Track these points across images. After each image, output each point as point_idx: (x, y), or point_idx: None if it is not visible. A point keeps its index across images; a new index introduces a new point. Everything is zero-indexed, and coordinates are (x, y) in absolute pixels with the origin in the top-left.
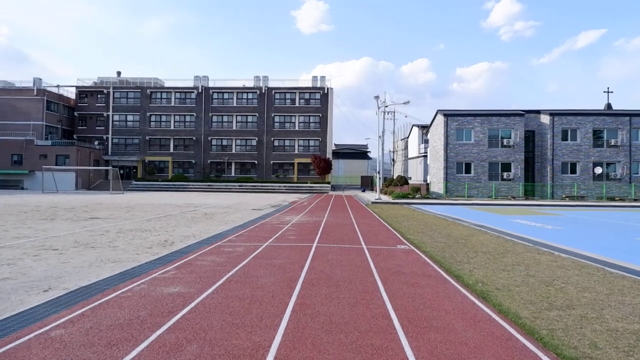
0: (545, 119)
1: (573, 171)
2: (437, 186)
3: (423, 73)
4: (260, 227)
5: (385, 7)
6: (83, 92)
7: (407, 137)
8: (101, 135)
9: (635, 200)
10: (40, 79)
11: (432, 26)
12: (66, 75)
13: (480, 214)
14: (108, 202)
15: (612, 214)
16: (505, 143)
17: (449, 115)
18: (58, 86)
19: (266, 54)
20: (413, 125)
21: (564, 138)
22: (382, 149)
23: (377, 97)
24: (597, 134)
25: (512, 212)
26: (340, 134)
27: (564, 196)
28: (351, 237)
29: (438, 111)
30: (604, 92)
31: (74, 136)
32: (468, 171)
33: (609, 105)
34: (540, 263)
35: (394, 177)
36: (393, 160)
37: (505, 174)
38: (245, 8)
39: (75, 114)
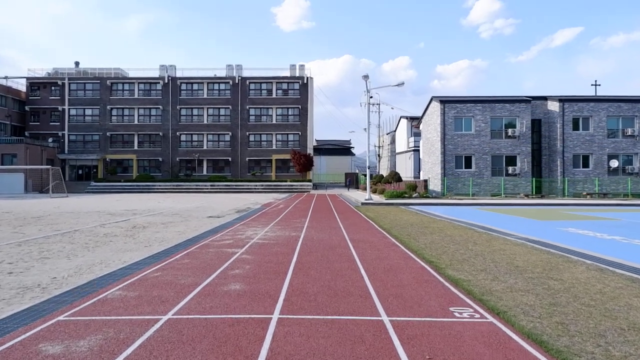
0: (553, 106)
1: (585, 165)
2: (434, 183)
3: (404, 70)
4: (196, 254)
5: (366, 5)
6: (35, 84)
7: (394, 131)
8: (56, 132)
9: None
10: None
11: (413, 24)
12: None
13: (507, 219)
14: (20, 210)
15: None
16: (510, 133)
17: (446, 102)
18: (6, 77)
19: (245, 51)
20: (401, 117)
21: (575, 127)
22: (369, 142)
23: (365, 77)
24: (611, 123)
25: (546, 217)
26: (322, 131)
27: (584, 193)
28: (350, 280)
29: (433, 98)
30: (592, 85)
31: (25, 133)
32: (468, 166)
33: None
34: None
35: (382, 174)
36: (379, 155)
37: (510, 169)
38: (224, 4)
39: (27, 108)
